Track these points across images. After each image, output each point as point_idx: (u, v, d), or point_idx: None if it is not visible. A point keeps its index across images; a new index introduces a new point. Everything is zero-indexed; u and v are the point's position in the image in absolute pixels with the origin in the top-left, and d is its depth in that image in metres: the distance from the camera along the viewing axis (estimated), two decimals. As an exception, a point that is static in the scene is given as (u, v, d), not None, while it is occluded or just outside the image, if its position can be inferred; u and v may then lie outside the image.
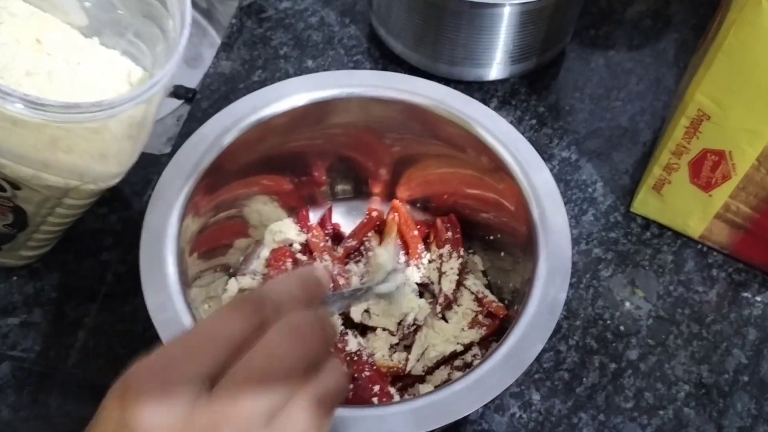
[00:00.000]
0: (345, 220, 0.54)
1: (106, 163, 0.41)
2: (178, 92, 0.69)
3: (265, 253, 0.51)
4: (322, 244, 0.51)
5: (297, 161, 0.51)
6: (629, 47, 0.68)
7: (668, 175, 0.52)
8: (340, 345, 0.46)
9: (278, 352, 0.26)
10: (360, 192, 0.55)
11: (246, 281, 0.49)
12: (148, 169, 0.60)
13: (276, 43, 0.68)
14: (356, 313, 0.47)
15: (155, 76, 0.39)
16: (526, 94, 0.64)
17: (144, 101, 0.39)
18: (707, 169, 0.50)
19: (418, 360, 0.47)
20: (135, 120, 0.42)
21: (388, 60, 0.66)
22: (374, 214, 0.53)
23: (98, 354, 0.50)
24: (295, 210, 0.53)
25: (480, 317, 0.49)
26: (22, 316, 0.52)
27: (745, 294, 0.54)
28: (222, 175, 0.45)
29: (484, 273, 0.52)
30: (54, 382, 0.49)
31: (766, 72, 0.43)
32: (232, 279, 0.50)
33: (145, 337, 0.51)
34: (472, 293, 0.50)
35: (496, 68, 0.63)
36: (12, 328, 0.51)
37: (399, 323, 0.48)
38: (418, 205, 0.54)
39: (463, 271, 0.50)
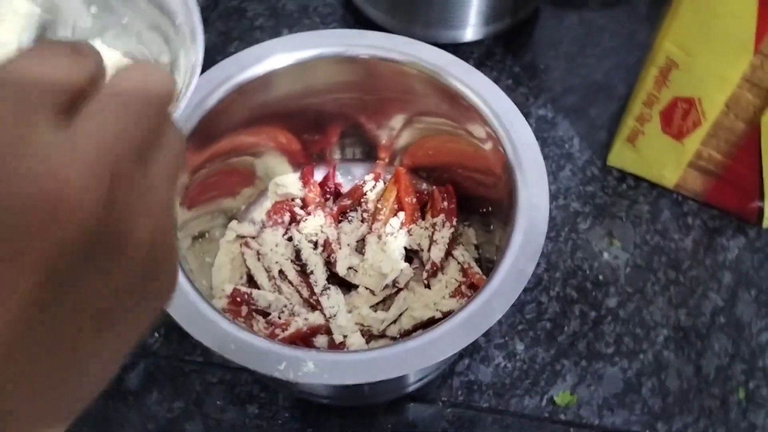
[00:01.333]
0: (349, 181, 0.55)
1: None
2: (156, 68, 0.70)
3: (267, 204, 0.53)
4: (317, 200, 0.52)
5: (307, 120, 0.51)
6: (602, 4, 0.69)
7: (641, 126, 0.53)
8: (320, 298, 0.47)
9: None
10: (369, 156, 0.55)
11: (245, 228, 0.51)
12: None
13: (251, 14, 0.68)
14: (341, 268, 0.48)
15: None
16: (501, 55, 0.65)
17: None
18: (678, 117, 0.51)
19: (394, 322, 0.48)
20: None
21: (363, 26, 0.66)
22: (372, 177, 0.54)
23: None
24: (302, 166, 0.54)
25: (463, 288, 0.49)
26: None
27: (720, 239, 0.55)
28: (214, 129, 0.46)
29: (477, 247, 0.53)
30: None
31: (731, 17, 0.44)
32: (232, 223, 0.51)
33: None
34: (459, 264, 0.51)
35: (470, 30, 0.63)
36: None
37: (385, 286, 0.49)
38: (423, 174, 0.55)
39: (453, 241, 0.51)
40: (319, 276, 0.48)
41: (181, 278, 0.38)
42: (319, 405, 0.48)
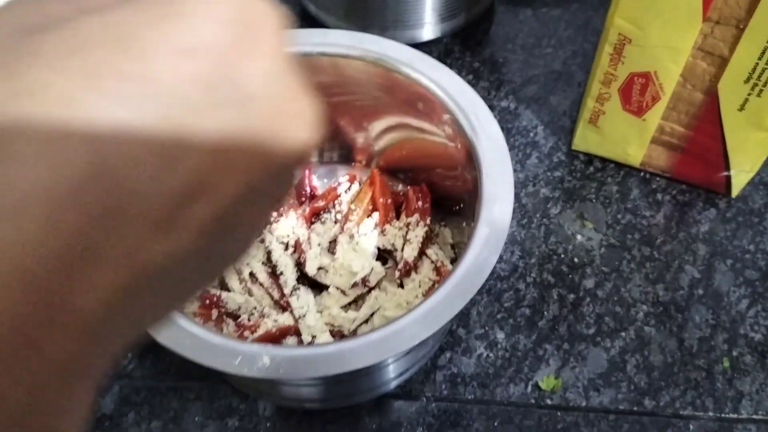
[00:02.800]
0: (326, 184, 0.54)
1: None
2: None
3: None
4: (291, 202, 0.51)
5: None
6: (555, -4, 0.70)
7: (601, 105, 0.53)
8: (289, 299, 0.46)
9: None
10: (346, 159, 0.55)
11: None
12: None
13: (207, 32, 0.68)
14: (311, 268, 0.47)
15: None
16: (459, 52, 0.65)
17: None
18: (636, 93, 0.51)
19: (366, 322, 0.47)
20: None
21: (320, 35, 0.66)
22: (347, 179, 0.54)
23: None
24: None
25: (436, 286, 0.49)
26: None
27: (691, 213, 0.55)
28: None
29: (453, 247, 0.52)
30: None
31: (677, -13, 0.44)
32: None
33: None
34: (432, 262, 0.50)
35: (427, 28, 0.64)
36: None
37: (354, 284, 0.48)
38: (401, 176, 0.54)
39: (427, 241, 0.50)
40: (289, 276, 0.47)
41: None
42: (301, 411, 0.47)
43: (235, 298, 0.46)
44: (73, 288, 0.14)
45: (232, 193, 0.16)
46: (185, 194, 0.15)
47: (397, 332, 0.36)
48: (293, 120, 0.17)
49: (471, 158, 0.44)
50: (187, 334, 0.35)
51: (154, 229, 0.15)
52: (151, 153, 0.14)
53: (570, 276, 0.52)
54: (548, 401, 0.47)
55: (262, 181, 0.16)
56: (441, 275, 0.49)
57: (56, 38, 0.14)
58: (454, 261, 0.50)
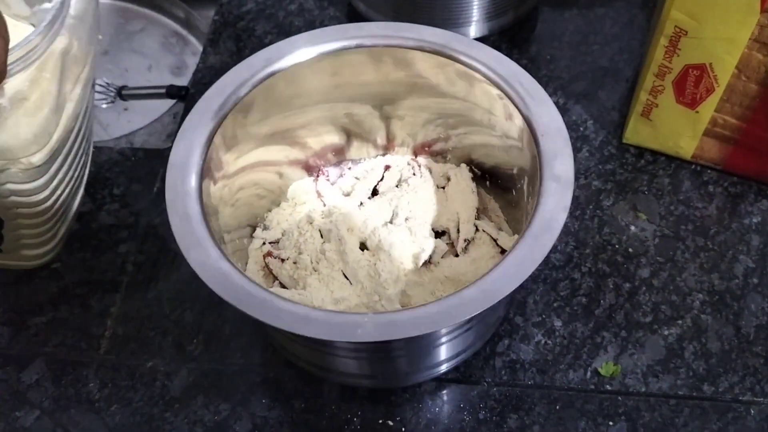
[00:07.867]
0: (366, 174, 0.55)
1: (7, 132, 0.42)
2: (170, 92, 0.71)
3: (287, 209, 0.53)
4: (336, 196, 0.53)
5: (319, 122, 0.52)
6: (599, -5, 0.71)
7: (654, 98, 0.54)
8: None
9: None
10: (385, 148, 0.56)
11: (270, 233, 0.51)
12: (152, 162, 0.62)
13: (260, 32, 0.70)
14: (372, 242, 0.49)
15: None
16: (507, 50, 0.66)
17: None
18: (691, 85, 0.52)
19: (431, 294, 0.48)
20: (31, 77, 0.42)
21: (370, 34, 0.68)
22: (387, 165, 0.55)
23: (129, 338, 0.51)
24: (318, 168, 0.55)
25: (494, 254, 0.50)
26: (49, 314, 0.53)
27: (743, 204, 0.56)
28: (240, 135, 0.47)
29: (501, 217, 0.53)
30: (90, 370, 0.50)
31: (735, -21, 0.45)
32: (258, 231, 0.52)
33: (172, 318, 0.52)
34: (487, 233, 0.51)
35: (475, 26, 0.65)
36: (41, 326, 0.52)
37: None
38: (445, 156, 0.55)
39: (478, 215, 0.52)
40: (352, 257, 0.48)
41: (230, 268, 0.39)
42: (364, 393, 0.48)
43: (295, 298, 0.47)
44: None
45: None
46: None
47: (489, 286, 0.37)
48: None
49: (522, 125, 0.45)
50: (287, 312, 0.36)
51: None
52: None
53: (625, 266, 0.53)
54: (608, 387, 0.48)
55: None
56: (497, 244, 0.50)
57: None
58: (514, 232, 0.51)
